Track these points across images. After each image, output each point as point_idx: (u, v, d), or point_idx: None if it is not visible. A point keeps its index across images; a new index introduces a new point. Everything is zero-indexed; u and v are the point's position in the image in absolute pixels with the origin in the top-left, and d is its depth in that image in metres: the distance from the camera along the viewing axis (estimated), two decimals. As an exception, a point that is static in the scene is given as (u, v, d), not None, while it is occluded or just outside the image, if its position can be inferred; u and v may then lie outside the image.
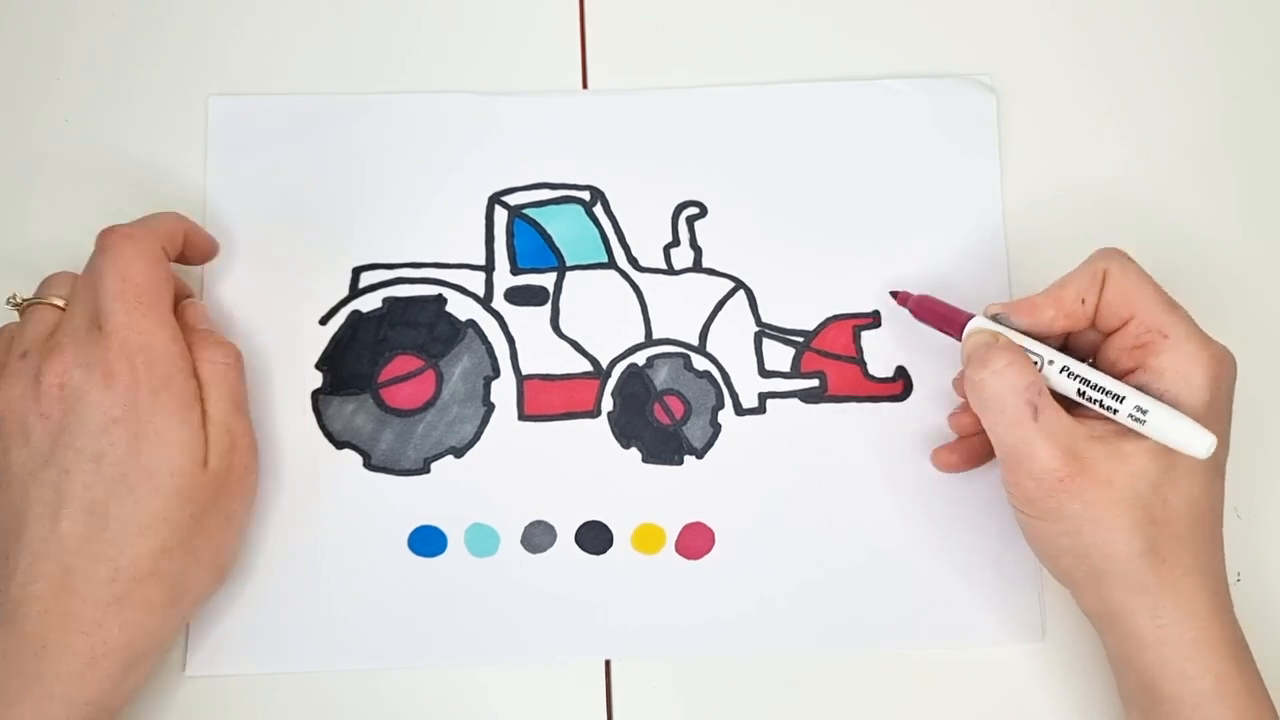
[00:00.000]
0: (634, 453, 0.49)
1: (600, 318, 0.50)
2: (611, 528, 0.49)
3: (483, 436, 0.49)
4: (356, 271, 0.50)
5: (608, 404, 0.50)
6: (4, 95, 0.52)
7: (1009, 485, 0.43)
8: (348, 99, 0.52)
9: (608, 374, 0.50)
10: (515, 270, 0.51)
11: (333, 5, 0.53)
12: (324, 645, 0.48)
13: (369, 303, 0.50)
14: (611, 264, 0.51)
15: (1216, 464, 0.42)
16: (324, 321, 0.50)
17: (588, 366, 0.50)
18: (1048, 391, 0.42)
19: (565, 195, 0.51)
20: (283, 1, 0.53)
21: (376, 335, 0.50)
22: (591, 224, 0.51)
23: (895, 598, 0.48)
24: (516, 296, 0.50)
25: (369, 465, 0.49)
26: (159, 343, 0.43)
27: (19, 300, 0.46)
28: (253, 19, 0.53)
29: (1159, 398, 0.41)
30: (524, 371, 0.50)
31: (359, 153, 0.51)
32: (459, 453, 0.49)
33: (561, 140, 0.52)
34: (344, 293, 0.50)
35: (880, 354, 0.50)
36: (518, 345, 0.50)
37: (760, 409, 0.50)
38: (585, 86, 0.53)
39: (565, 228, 0.51)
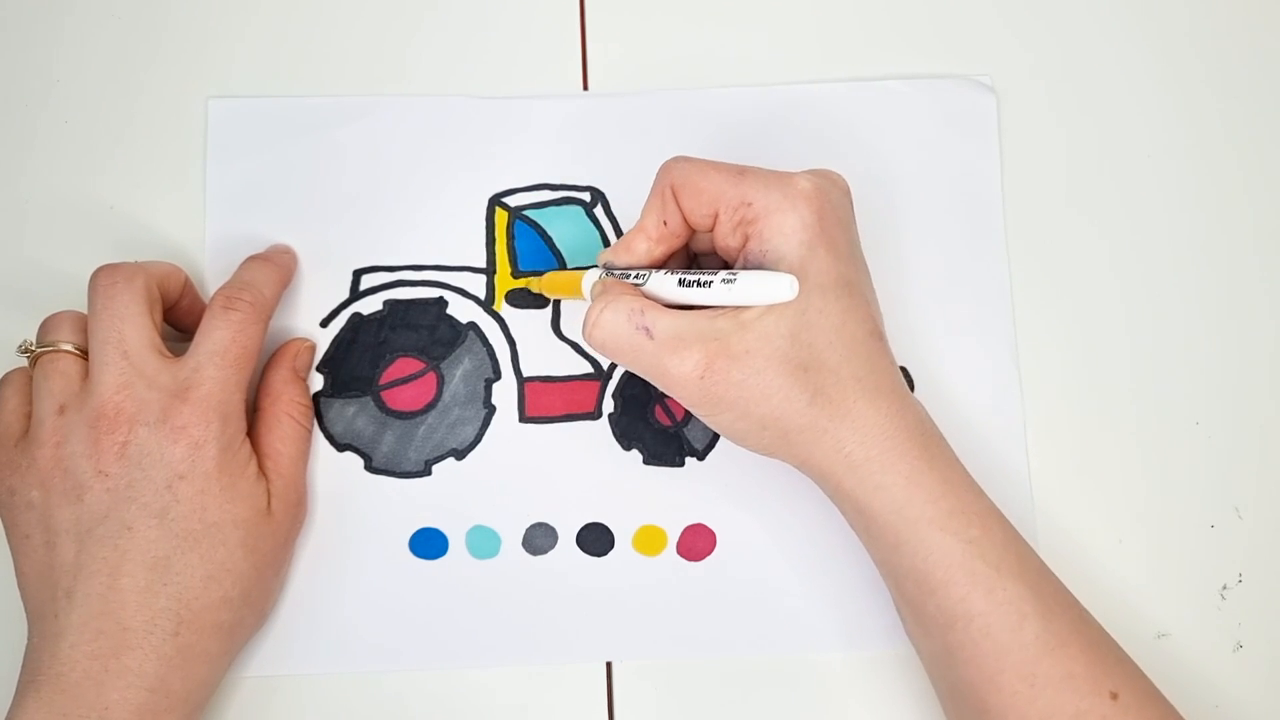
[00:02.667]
0: (635, 454, 0.49)
1: (601, 319, 0.50)
2: (613, 529, 0.49)
3: (484, 438, 0.49)
4: (357, 274, 0.50)
5: (609, 406, 0.50)
6: (4, 96, 0.52)
7: (676, 400, 0.44)
8: (348, 102, 0.52)
9: (608, 375, 0.50)
10: (516, 273, 0.51)
11: (333, 8, 0.53)
12: (325, 647, 0.48)
13: (370, 305, 0.50)
14: (612, 265, 0.51)
15: (849, 285, 0.42)
16: (325, 324, 0.50)
17: (589, 368, 0.50)
18: (655, 308, 0.42)
19: (566, 197, 0.51)
20: (283, 4, 0.53)
21: (377, 338, 0.50)
22: (592, 225, 0.51)
23: (896, 599, 0.48)
24: (518, 299, 0.50)
25: (370, 467, 0.49)
26: (237, 401, 0.45)
27: (33, 349, 0.45)
28: (253, 22, 0.53)
29: (763, 259, 0.42)
30: (525, 373, 0.50)
31: (359, 155, 0.51)
32: (460, 455, 0.49)
33: (562, 142, 0.52)
34: (345, 295, 0.50)
35: (881, 355, 0.50)
36: (519, 347, 0.50)
37: (761, 410, 0.50)
38: (586, 88, 0.53)
39: (566, 229, 0.51)
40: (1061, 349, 0.51)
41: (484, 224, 0.51)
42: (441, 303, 0.50)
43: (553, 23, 0.53)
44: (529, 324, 0.50)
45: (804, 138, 0.52)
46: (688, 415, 0.50)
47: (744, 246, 0.43)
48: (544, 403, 0.50)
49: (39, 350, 0.45)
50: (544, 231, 0.51)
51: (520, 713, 0.48)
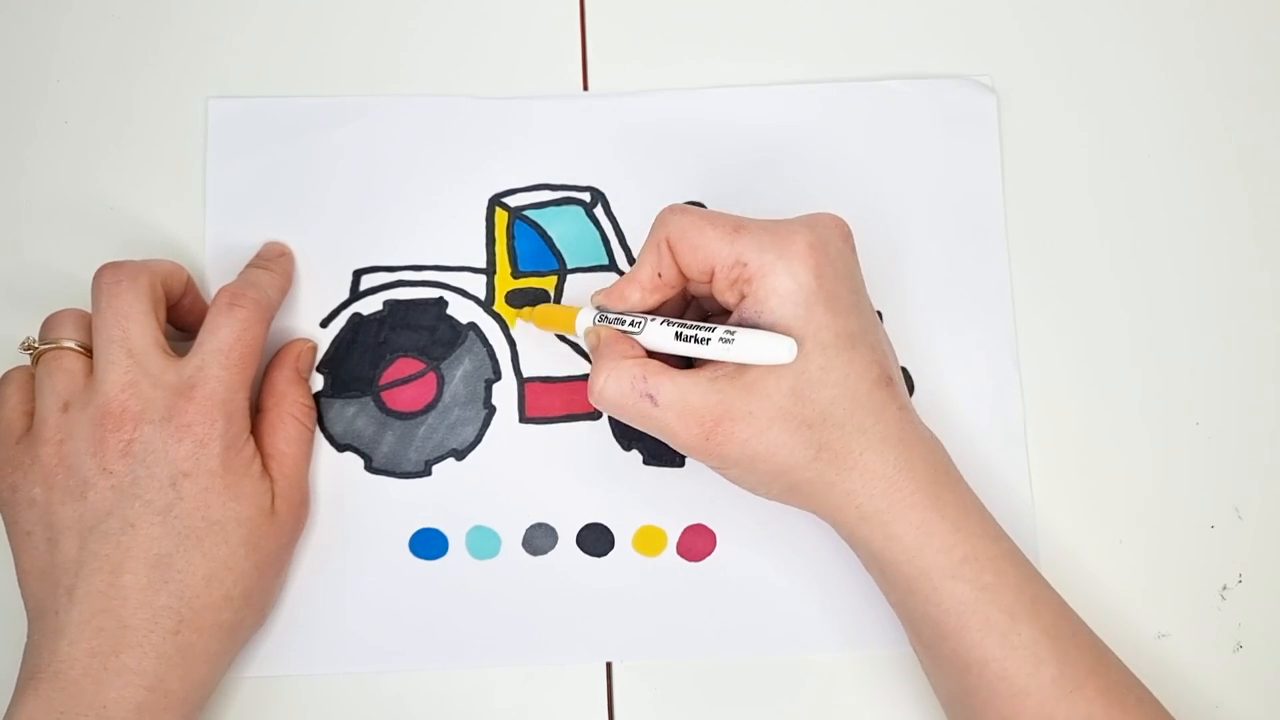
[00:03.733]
0: (635, 454, 0.49)
1: (601, 319, 0.50)
2: (613, 530, 0.49)
3: (484, 439, 0.49)
4: (357, 274, 0.50)
5: (609, 406, 0.50)
6: (4, 96, 0.52)
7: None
8: (348, 102, 0.52)
9: (609, 376, 0.50)
10: (516, 273, 0.51)
11: (333, 8, 0.53)
12: (324, 648, 0.48)
13: (370, 305, 0.50)
14: (612, 266, 0.51)
15: (851, 338, 0.42)
16: (325, 324, 0.50)
17: (588, 368, 0.50)
18: (657, 370, 0.42)
19: (566, 197, 0.51)
20: (283, 4, 0.53)
21: (377, 338, 0.50)
22: (592, 226, 0.51)
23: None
24: (518, 300, 0.50)
25: (370, 468, 0.49)
26: (241, 400, 0.45)
27: (34, 345, 0.46)
28: (253, 22, 0.53)
29: (759, 318, 0.42)
30: (525, 374, 0.50)
31: (359, 155, 0.51)
32: (460, 455, 0.49)
33: (562, 142, 0.52)
34: (345, 295, 0.50)
35: (881, 355, 0.50)
36: (519, 348, 0.50)
37: (761, 411, 0.50)
38: (586, 88, 0.53)
39: (566, 230, 0.51)
40: (1062, 349, 0.51)
41: (484, 224, 0.51)
42: (441, 303, 0.50)
43: (553, 23, 0.53)
44: (529, 324, 0.50)
45: (804, 138, 0.52)
46: (688, 415, 0.50)
47: (740, 304, 0.43)
48: (544, 403, 0.50)
49: (42, 347, 0.45)
50: (544, 231, 0.51)
51: (520, 713, 0.48)
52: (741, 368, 0.42)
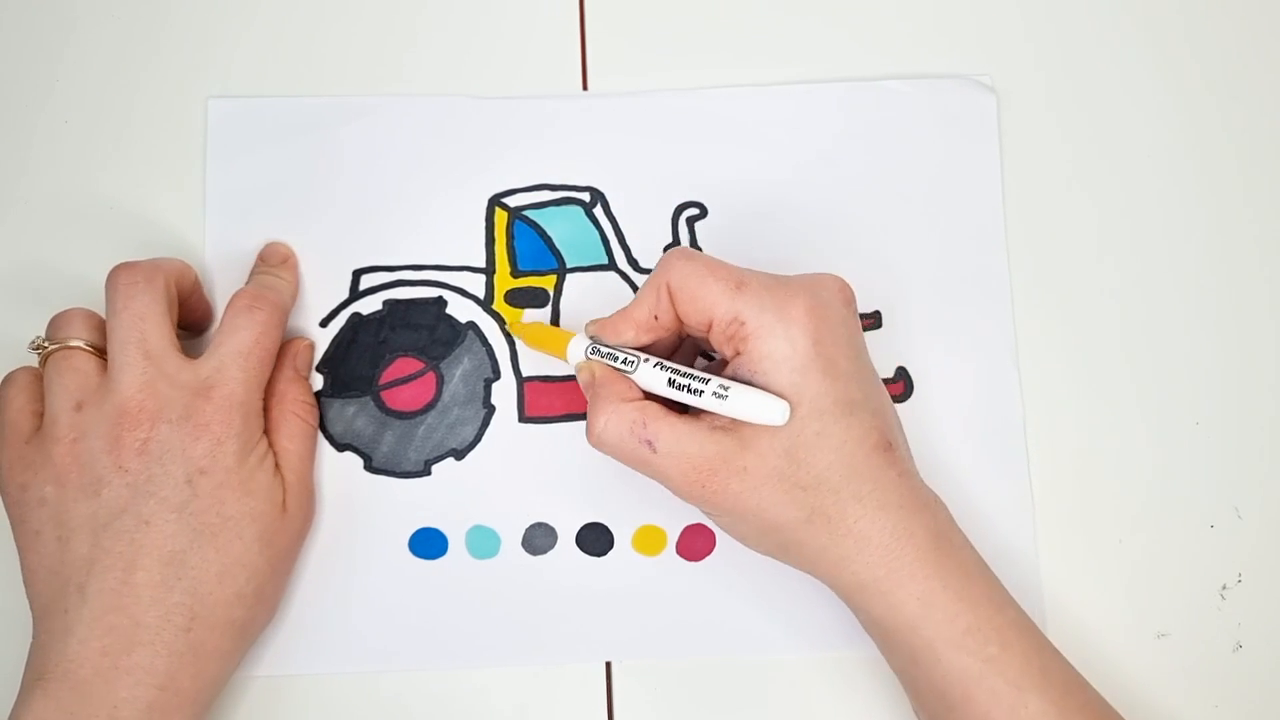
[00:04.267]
0: (635, 454, 0.49)
1: (601, 319, 0.50)
2: (612, 529, 0.49)
3: (483, 438, 0.49)
4: (357, 274, 0.50)
5: (608, 406, 0.50)
6: (4, 96, 0.52)
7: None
8: (348, 101, 0.52)
9: (608, 375, 0.50)
10: (516, 273, 0.51)
11: (332, 8, 0.53)
12: (324, 647, 0.48)
13: (369, 305, 0.50)
14: (612, 265, 0.51)
15: (849, 404, 0.42)
16: (324, 324, 0.50)
17: (588, 368, 0.50)
18: (657, 415, 0.42)
19: (565, 197, 0.51)
20: (283, 4, 0.53)
21: (377, 337, 0.50)
22: (592, 225, 0.51)
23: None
24: (517, 299, 0.50)
25: (370, 467, 0.49)
26: (256, 401, 0.45)
27: (44, 345, 0.45)
28: (253, 22, 0.53)
29: (753, 377, 0.42)
30: (524, 373, 0.50)
31: (359, 155, 0.51)
32: (460, 455, 0.49)
33: (561, 142, 0.52)
34: (344, 295, 0.50)
35: (881, 354, 0.50)
36: (518, 347, 0.50)
37: (761, 410, 0.50)
38: (585, 88, 0.53)
39: (565, 229, 0.51)
40: (1061, 349, 0.51)
41: (484, 224, 0.51)
42: (441, 302, 0.50)
43: (553, 23, 0.53)
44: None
45: (804, 138, 0.52)
46: (687, 415, 0.50)
47: (736, 359, 0.43)
48: (543, 402, 0.50)
49: (51, 347, 0.45)
50: (543, 231, 0.51)
51: (520, 713, 0.48)
52: (738, 421, 0.41)
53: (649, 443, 0.42)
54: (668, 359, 0.44)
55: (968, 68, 0.53)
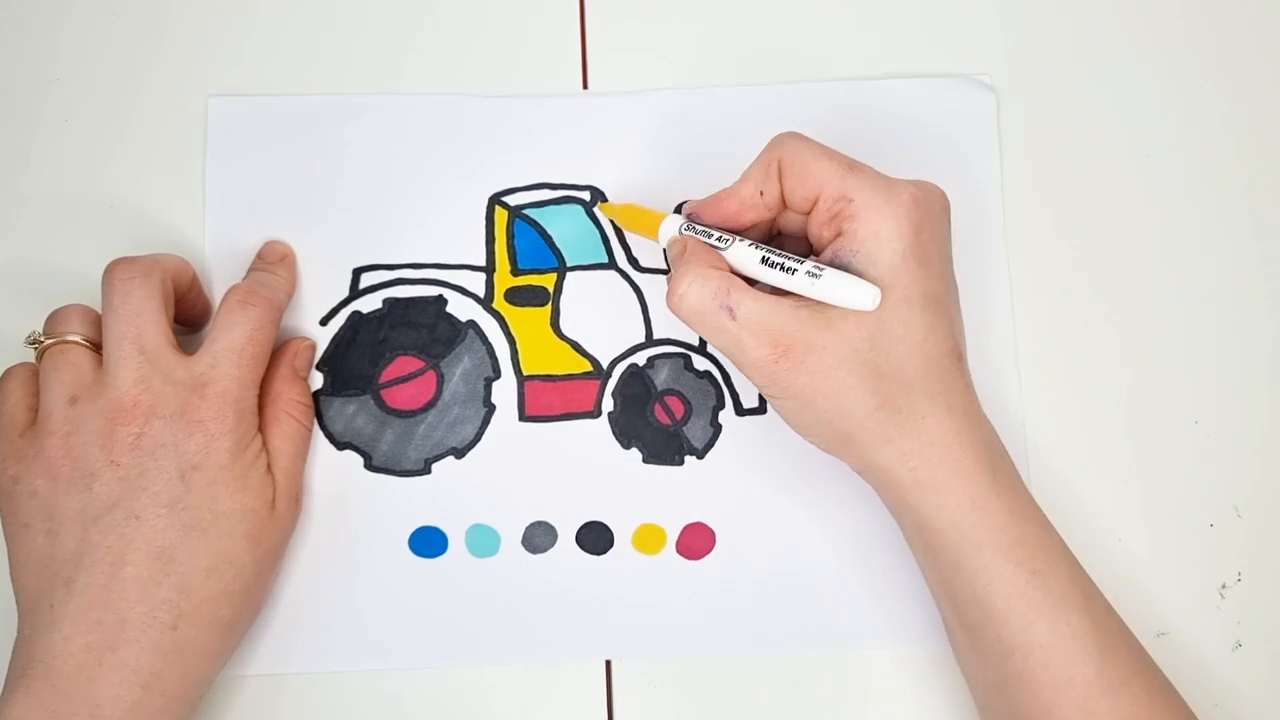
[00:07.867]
0: (634, 453, 0.49)
1: (601, 318, 0.50)
2: (612, 528, 0.49)
3: (483, 437, 0.49)
4: (357, 272, 0.50)
5: (608, 404, 0.50)
6: (5, 94, 0.52)
7: (748, 379, 0.44)
8: (348, 100, 0.52)
9: (608, 374, 0.50)
10: (515, 271, 0.51)
11: (333, 7, 0.53)
12: (324, 646, 0.48)
13: (369, 303, 0.50)
14: (612, 264, 0.51)
15: (936, 302, 0.42)
16: (324, 322, 0.50)
17: (588, 367, 0.50)
18: (741, 287, 0.42)
19: (565, 195, 0.51)
20: (283, 4, 0.53)
21: (377, 336, 0.50)
22: (592, 224, 0.51)
23: (899, 598, 0.48)
24: (517, 297, 0.50)
25: (370, 466, 0.49)
26: (250, 397, 0.45)
27: (40, 340, 0.45)
28: (253, 20, 0.53)
29: (853, 258, 0.42)
30: (524, 372, 0.50)
31: (359, 154, 0.51)
32: (460, 453, 0.49)
33: (562, 141, 0.52)
34: (344, 293, 0.50)
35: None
36: (518, 346, 0.50)
37: (761, 409, 0.50)
38: (585, 87, 0.53)
39: (565, 228, 0.51)
40: (1061, 348, 0.51)
41: (484, 222, 0.51)
42: (441, 301, 0.50)
43: (553, 23, 0.53)
44: (528, 322, 0.50)
45: (804, 137, 0.52)
46: (687, 414, 0.50)
47: (835, 240, 0.43)
48: (543, 401, 0.50)
49: (48, 342, 0.45)
50: (544, 230, 0.51)
51: (520, 711, 0.48)
52: (824, 304, 0.42)
53: (730, 309, 0.42)
54: None
55: (968, 67, 0.53)
